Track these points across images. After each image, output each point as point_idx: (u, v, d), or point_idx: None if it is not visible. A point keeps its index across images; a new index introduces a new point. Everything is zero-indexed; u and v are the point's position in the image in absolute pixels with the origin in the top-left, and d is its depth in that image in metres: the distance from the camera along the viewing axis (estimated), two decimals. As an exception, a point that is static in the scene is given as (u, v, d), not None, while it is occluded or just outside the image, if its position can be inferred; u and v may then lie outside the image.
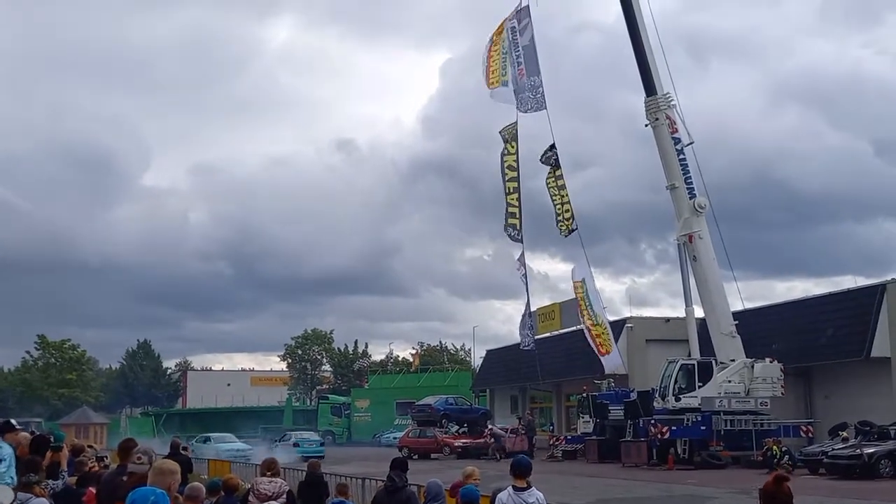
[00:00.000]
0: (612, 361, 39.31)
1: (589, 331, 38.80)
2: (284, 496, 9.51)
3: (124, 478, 6.52)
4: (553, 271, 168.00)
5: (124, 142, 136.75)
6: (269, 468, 10.54)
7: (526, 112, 38.59)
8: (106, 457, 13.55)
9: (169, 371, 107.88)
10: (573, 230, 38.56)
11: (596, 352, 38.68)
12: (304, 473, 14.89)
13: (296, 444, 44.39)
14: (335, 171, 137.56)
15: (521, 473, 8.98)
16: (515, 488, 8.84)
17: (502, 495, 8.83)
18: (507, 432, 45.03)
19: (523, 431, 44.94)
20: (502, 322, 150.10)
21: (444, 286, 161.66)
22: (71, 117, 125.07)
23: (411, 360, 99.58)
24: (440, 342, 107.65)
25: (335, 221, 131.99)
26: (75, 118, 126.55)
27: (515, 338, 49.75)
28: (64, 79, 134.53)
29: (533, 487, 8.99)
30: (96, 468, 11.45)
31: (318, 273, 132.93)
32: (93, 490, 9.30)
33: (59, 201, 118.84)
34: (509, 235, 40.37)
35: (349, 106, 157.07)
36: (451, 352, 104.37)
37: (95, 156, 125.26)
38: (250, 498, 9.76)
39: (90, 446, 17.51)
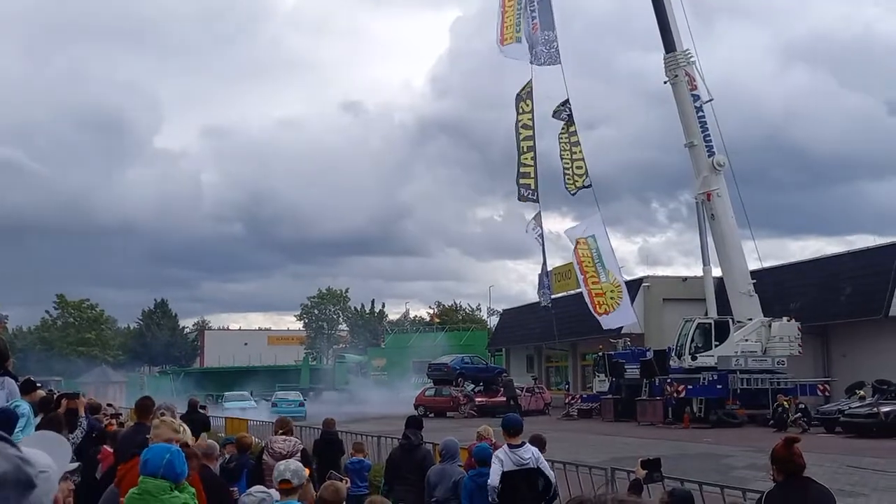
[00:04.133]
0: (616, 320, 38.96)
1: (588, 290, 38.29)
2: (299, 454, 9.54)
3: (148, 436, 6.56)
4: (565, 231, 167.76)
5: (136, 105, 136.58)
6: (283, 426, 10.58)
7: (539, 65, 38.17)
8: (121, 414, 13.65)
9: (186, 330, 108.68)
10: (585, 187, 38.24)
11: (592, 311, 38.23)
12: (320, 431, 14.95)
13: (274, 405, 43.76)
14: (344, 134, 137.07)
15: (514, 432, 9.07)
16: (511, 446, 8.89)
17: (499, 454, 8.90)
18: (522, 391, 45.23)
19: (539, 390, 45.16)
20: (515, 281, 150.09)
21: (458, 246, 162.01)
22: (84, 81, 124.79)
23: (428, 318, 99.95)
24: (455, 302, 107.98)
25: (346, 183, 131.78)
26: (88, 82, 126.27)
27: (528, 297, 49.94)
28: (77, 44, 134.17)
29: (526, 444, 9.04)
30: (112, 426, 11.55)
31: (331, 234, 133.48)
32: (108, 448, 9.37)
33: (75, 165, 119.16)
34: (523, 195, 40.04)
35: (358, 68, 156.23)
36: (467, 311, 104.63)
37: (108, 119, 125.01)
38: (265, 457, 9.80)
39: (109, 404, 17.68)
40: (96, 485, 8.26)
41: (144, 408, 8.76)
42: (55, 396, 10.38)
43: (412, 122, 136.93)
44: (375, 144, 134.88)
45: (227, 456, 11.08)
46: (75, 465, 7.96)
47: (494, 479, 8.70)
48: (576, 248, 38.33)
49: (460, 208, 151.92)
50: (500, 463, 8.76)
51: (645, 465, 6.65)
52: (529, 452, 8.90)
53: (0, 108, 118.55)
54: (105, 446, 9.59)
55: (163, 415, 8.27)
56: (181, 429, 6.89)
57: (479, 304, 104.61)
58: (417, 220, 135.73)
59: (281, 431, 10.45)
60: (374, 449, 16.59)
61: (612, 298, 37.59)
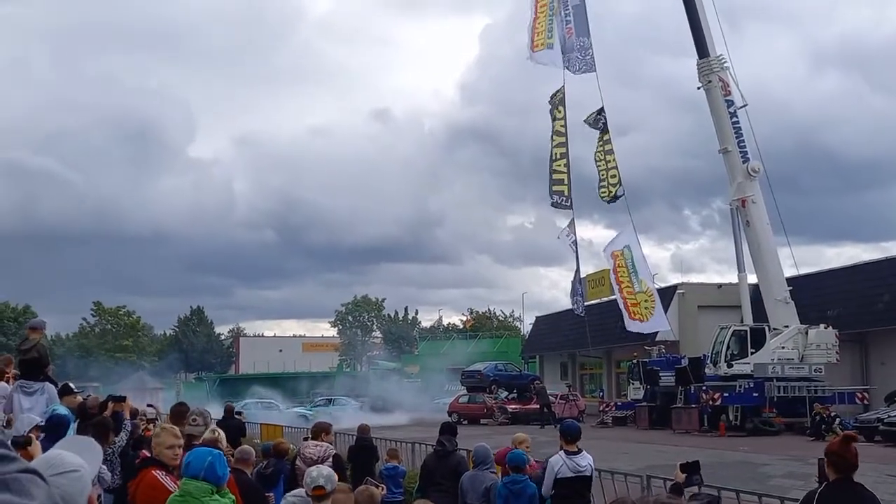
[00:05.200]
0: (649, 328, 38.78)
1: (623, 299, 38.23)
2: (330, 459, 9.56)
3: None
4: (597, 238, 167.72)
5: (169, 113, 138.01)
6: (324, 430, 10.62)
7: (575, 73, 38.06)
8: (157, 420, 13.74)
9: (222, 337, 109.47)
10: (619, 196, 38.16)
11: (626, 318, 38.13)
12: (355, 438, 14.98)
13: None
14: (375, 141, 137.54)
15: (572, 438, 9.01)
16: (567, 452, 8.84)
17: (554, 460, 8.85)
18: (556, 398, 45.02)
19: (573, 397, 44.92)
20: (547, 288, 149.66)
21: (489, 253, 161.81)
22: (117, 90, 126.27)
23: (461, 325, 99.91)
24: (489, 309, 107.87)
25: (377, 190, 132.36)
26: (121, 90, 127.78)
27: (561, 304, 49.72)
28: (110, 52, 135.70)
29: (584, 451, 8.99)
30: (149, 432, 11.63)
31: (362, 242, 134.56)
32: (146, 452, 9.44)
33: (109, 173, 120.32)
34: (556, 203, 39.93)
35: (387, 75, 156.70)
36: (500, 318, 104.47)
37: (142, 127, 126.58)
38: (297, 462, 9.84)
39: (150, 405, 17.81)
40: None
41: (179, 413, 8.82)
42: (100, 401, 10.49)
43: (442, 130, 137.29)
44: (405, 151, 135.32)
45: (263, 462, 11.15)
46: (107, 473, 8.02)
47: (548, 485, 8.68)
48: (614, 262, 38.31)
49: (491, 215, 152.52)
50: (556, 469, 8.72)
51: (684, 469, 6.62)
52: (586, 460, 8.87)
53: (35, 117, 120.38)
54: (144, 451, 9.67)
55: (194, 420, 8.33)
56: (216, 433, 6.96)
57: (512, 311, 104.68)
58: (448, 228, 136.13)
59: (322, 437, 10.48)
60: (408, 455, 16.59)
61: (646, 307, 37.44)
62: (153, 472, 5.78)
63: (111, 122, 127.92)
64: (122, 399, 9.96)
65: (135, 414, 12.29)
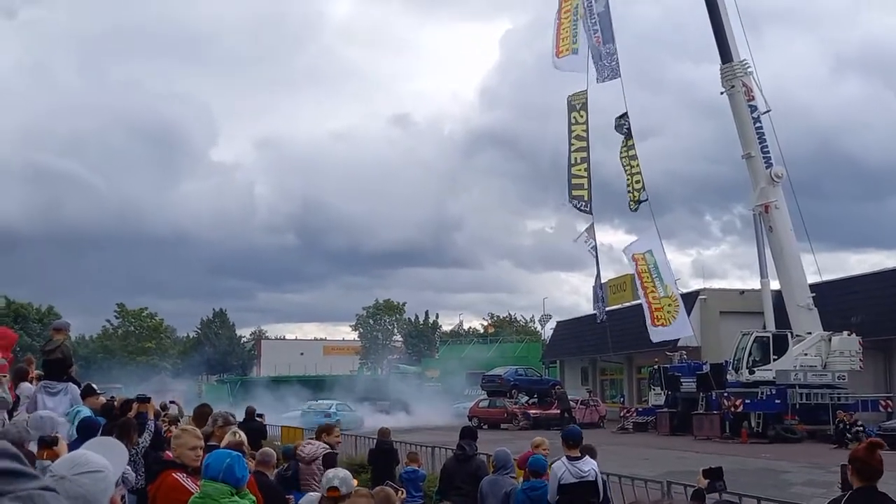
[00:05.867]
0: (672, 333, 38.68)
1: (648, 303, 38.18)
2: (320, 458, 9.59)
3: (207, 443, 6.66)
4: (617, 243, 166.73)
5: (192, 117, 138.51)
6: (327, 433, 10.64)
7: (603, 81, 38.08)
8: (180, 420, 13.80)
9: (243, 340, 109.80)
10: (642, 201, 38.13)
11: (648, 322, 38.07)
12: (375, 441, 15.00)
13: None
14: (395, 145, 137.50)
15: (573, 443, 8.98)
16: (569, 458, 8.80)
17: (556, 467, 8.82)
18: (576, 404, 44.93)
19: (594, 403, 44.82)
20: (568, 293, 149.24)
21: (509, 258, 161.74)
22: (139, 94, 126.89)
23: (482, 330, 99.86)
24: (509, 313, 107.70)
25: (397, 195, 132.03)
26: (145, 95, 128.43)
27: (582, 309, 49.60)
28: (133, 57, 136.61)
29: (587, 456, 8.95)
30: (171, 433, 11.69)
31: (383, 245, 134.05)
32: (169, 454, 9.50)
33: (132, 177, 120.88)
34: (576, 207, 39.93)
35: (408, 80, 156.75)
36: (521, 323, 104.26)
37: (165, 132, 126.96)
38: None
39: (172, 401, 17.91)
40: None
41: (202, 415, 8.89)
42: (125, 401, 10.55)
43: (461, 134, 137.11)
44: (425, 156, 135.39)
45: (284, 465, 11.19)
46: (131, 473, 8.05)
47: (553, 492, 8.64)
48: (636, 266, 38.21)
49: (510, 220, 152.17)
50: (558, 475, 8.69)
51: (707, 475, 6.60)
52: (589, 465, 8.83)
53: (60, 121, 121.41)
54: (167, 452, 9.73)
55: (218, 421, 8.38)
56: (237, 435, 6.99)
57: (532, 316, 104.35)
58: (468, 232, 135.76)
59: (325, 436, 10.49)
60: (428, 459, 16.61)
61: (668, 312, 37.31)
62: (174, 474, 5.81)
63: (134, 126, 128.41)
64: (147, 400, 10.02)
65: (158, 415, 12.36)
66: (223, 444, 6.32)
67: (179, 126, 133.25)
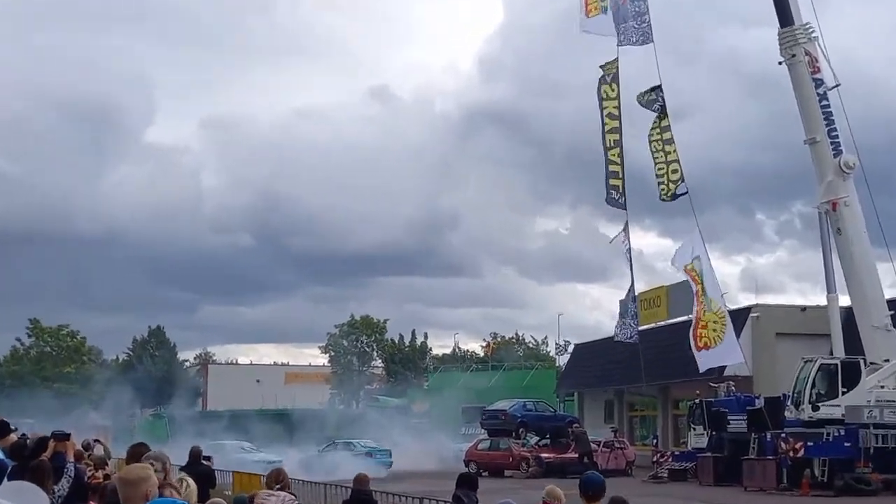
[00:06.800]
0: (718, 358, 38.74)
1: (697, 321, 38.29)
2: None
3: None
4: (648, 247, 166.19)
5: (125, 91, 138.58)
6: (277, 480, 10.65)
7: (630, 45, 38.21)
8: (107, 464, 13.79)
9: (186, 364, 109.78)
10: (679, 194, 38.24)
11: (692, 346, 38.18)
12: (350, 491, 15.02)
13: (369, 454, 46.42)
14: (375, 126, 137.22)
15: (594, 495, 8.97)
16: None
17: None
18: (599, 446, 44.98)
19: (620, 445, 44.87)
20: (588, 309, 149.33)
21: (514, 265, 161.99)
22: (63, 65, 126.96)
23: (481, 354, 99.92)
24: (516, 333, 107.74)
25: (378, 187, 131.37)
26: (68, 66, 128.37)
27: (605, 329, 49.59)
28: (50, 19, 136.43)
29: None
30: (98, 479, 11.70)
31: (360, 249, 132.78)
32: (94, 504, 9.50)
33: (51, 164, 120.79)
34: (612, 198, 40.09)
35: (390, 48, 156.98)
36: (530, 346, 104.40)
37: (92, 109, 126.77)
38: None
39: (97, 440, 17.86)
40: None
41: (137, 456, 8.89)
42: (39, 438, 10.54)
43: (456, 112, 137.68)
44: (412, 139, 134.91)
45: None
46: None
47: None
48: (688, 273, 38.29)
49: (517, 219, 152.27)
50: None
51: None
52: (613, 523, 8.85)
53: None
54: (92, 502, 9.72)
55: (156, 466, 8.38)
56: (185, 483, 7.00)
57: (545, 337, 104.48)
58: (464, 233, 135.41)
59: (277, 486, 10.51)
60: (415, 513, 16.63)
61: (714, 331, 37.31)
62: None
63: (53, 101, 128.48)
64: (66, 437, 10.01)
65: (80, 456, 12.35)
66: (167, 493, 6.32)
67: (109, 101, 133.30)
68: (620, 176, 39.61)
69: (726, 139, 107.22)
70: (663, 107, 38.76)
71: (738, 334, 40.34)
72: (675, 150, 38.39)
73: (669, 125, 38.89)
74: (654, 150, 38.68)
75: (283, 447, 51.43)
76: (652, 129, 38.92)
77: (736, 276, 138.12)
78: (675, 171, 38.23)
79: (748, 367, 42.35)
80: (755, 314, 47.13)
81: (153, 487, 6.19)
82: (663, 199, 38.88)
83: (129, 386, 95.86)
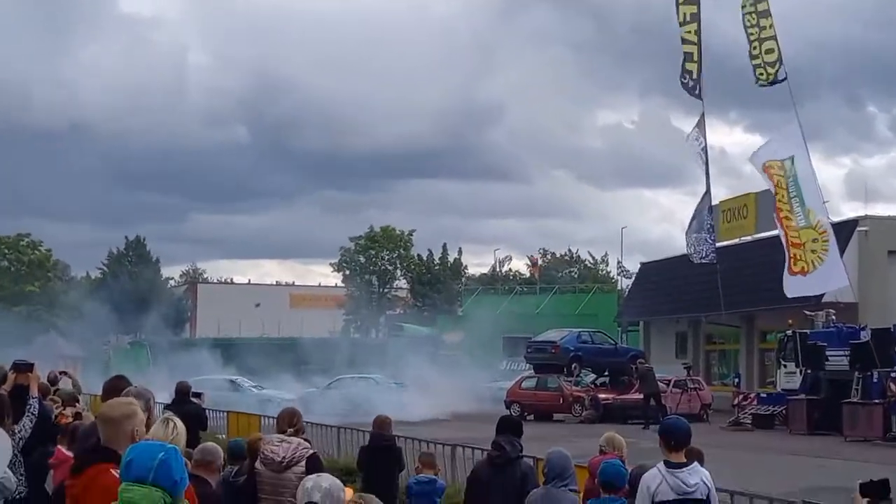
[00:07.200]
0: (817, 283, 38.64)
1: (786, 236, 38.12)
2: (303, 463, 9.66)
3: None
4: (733, 146, 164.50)
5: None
6: (290, 423, 10.69)
7: None
8: (78, 401, 13.95)
9: (171, 283, 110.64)
10: (778, 80, 37.90)
11: (786, 268, 38.08)
12: (368, 436, 15.13)
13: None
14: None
15: (677, 443, 9.00)
16: (669, 464, 8.86)
17: (649, 476, 8.87)
18: (668, 385, 45.13)
19: (694, 385, 45.00)
20: (656, 221, 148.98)
21: (568, 168, 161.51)
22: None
23: (527, 274, 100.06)
24: (569, 250, 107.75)
25: (400, 70, 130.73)
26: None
27: (678, 246, 49.44)
28: None
29: (695, 463, 9.01)
30: (66, 418, 11.84)
31: (378, 146, 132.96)
32: (63, 450, 9.61)
33: (7, 42, 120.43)
34: (685, 84, 39.83)
35: None
36: (587, 264, 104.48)
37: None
38: (257, 465, 9.97)
39: (64, 372, 18.09)
40: (46, 502, 8.51)
41: (115, 393, 8.95)
42: None
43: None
44: (442, 11, 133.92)
45: (233, 468, 11.34)
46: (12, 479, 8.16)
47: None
48: (769, 174, 38.01)
49: (572, 110, 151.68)
50: (652, 489, 8.74)
51: (866, 491, 6.62)
52: (697, 476, 8.88)
53: None
54: (60, 447, 9.84)
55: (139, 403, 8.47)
56: (171, 424, 7.05)
57: (605, 254, 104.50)
58: (507, 128, 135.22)
59: (290, 430, 10.55)
60: (448, 463, 16.77)
61: (812, 251, 37.19)
62: (113, 471, 5.78)
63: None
64: (29, 368, 10.10)
65: (46, 391, 12.50)
66: (150, 434, 6.36)
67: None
68: (695, 58, 39.29)
69: (831, 12, 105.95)
70: (758, -29, 38.42)
71: (841, 252, 40.20)
72: (771, 26, 38.06)
73: (766, -4, 38.54)
74: (747, 23, 38.28)
75: (287, 384, 52.04)
76: (744, 2, 38.53)
77: (839, 180, 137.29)
78: (771, 51, 37.87)
79: (853, 291, 42.19)
80: (863, 228, 46.85)
81: (140, 426, 6.25)
82: (762, 85, 38.51)
83: (103, 308, 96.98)
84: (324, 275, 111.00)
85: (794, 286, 38.06)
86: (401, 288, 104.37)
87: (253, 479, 10.44)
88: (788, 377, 41.28)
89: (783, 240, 38.47)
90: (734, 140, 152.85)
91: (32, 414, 9.44)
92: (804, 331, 40.71)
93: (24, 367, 10.05)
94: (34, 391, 9.76)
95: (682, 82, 39.92)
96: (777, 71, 37.87)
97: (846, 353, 37.66)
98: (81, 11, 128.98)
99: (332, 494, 6.06)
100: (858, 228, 46.79)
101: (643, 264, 68.34)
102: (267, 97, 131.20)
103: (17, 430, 9.04)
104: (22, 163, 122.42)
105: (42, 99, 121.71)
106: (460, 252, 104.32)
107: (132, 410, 6.24)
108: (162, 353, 68.25)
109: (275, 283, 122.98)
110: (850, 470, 26.24)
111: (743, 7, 38.63)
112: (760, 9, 38.19)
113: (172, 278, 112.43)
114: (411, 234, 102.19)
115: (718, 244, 44.64)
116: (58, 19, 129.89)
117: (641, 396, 43.15)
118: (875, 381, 35.51)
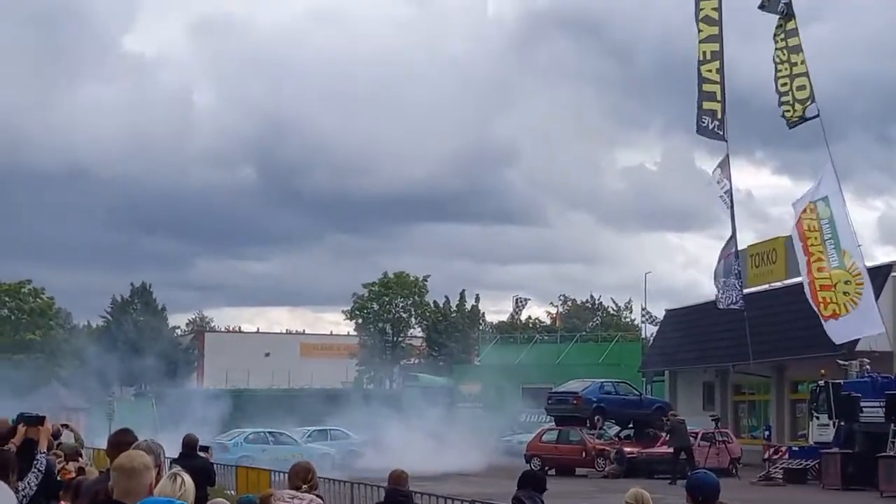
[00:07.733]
0: (850, 328, 38.56)
1: (812, 281, 38.06)
2: None
3: None
4: (760, 189, 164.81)
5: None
6: (304, 479, 10.67)
7: None
8: (81, 455, 13.96)
9: (177, 332, 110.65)
10: (810, 117, 37.99)
11: (818, 313, 38.03)
12: (384, 491, 15.14)
13: None
14: (408, 31, 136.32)
15: (706, 499, 8.98)
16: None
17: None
18: (696, 438, 44.99)
19: (723, 438, 44.83)
20: (683, 266, 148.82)
21: (589, 210, 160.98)
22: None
23: (548, 321, 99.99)
24: (591, 296, 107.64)
25: (412, 110, 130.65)
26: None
27: (705, 292, 49.33)
28: None
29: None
30: (69, 473, 11.84)
31: (391, 189, 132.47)
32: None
33: (6, 81, 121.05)
34: (704, 127, 39.91)
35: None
36: (610, 311, 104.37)
37: (54, 10, 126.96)
38: None
39: (65, 425, 18.09)
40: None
41: (120, 446, 8.95)
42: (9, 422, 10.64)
43: (513, 15, 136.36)
44: (457, 49, 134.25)
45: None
46: None
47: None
48: (799, 219, 38.03)
49: (592, 151, 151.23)
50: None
51: None
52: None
53: None
54: (63, 503, 9.82)
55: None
56: (178, 479, 7.04)
57: (628, 301, 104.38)
58: (525, 169, 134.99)
59: (304, 486, 10.54)
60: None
61: (845, 294, 37.08)
62: None
63: (8, 5, 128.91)
64: (39, 421, 10.06)
65: (49, 446, 12.49)
66: (157, 491, 6.36)
67: (78, 3, 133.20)
68: (718, 98, 39.39)
69: (863, 47, 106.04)
70: (789, 4, 38.52)
71: (876, 296, 40.14)
72: (803, 62, 38.17)
73: (797, 29, 38.66)
74: (777, 60, 38.41)
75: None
76: (775, 34, 38.67)
77: (872, 224, 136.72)
78: (801, 88, 37.98)
79: (889, 339, 42.09)
80: (897, 273, 46.87)
81: (153, 479, 6.28)
82: (790, 124, 38.58)
83: (107, 357, 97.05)
84: (335, 323, 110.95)
85: (835, 332, 38.02)
86: (415, 336, 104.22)
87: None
88: (821, 429, 41.13)
89: (806, 287, 38.34)
90: (761, 182, 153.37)
91: (39, 470, 9.40)
92: (837, 381, 40.58)
93: (34, 421, 10.00)
94: (44, 446, 9.74)
95: (699, 125, 39.93)
96: (807, 108, 37.94)
97: (881, 403, 37.51)
98: (83, 49, 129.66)
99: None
100: (893, 273, 46.73)
101: (668, 311, 68.27)
102: (275, 137, 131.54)
103: (20, 488, 9.01)
104: (22, 206, 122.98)
105: (42, 141, 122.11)
106: (477, 299, 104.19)
107: (150, 462, 6.27)
108: (167, 405, 68.35)
109: (284, 331, 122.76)
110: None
111: (775, 42, 38.77)
112: (792, 44, 38.34)
113: (178, 326, 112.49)
114: (426, 280, 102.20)
115: (746, 290, 44.57)
116: (58, 57, 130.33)
117: (670, 450, 43.04)
118: (913, 434, 35.43)
